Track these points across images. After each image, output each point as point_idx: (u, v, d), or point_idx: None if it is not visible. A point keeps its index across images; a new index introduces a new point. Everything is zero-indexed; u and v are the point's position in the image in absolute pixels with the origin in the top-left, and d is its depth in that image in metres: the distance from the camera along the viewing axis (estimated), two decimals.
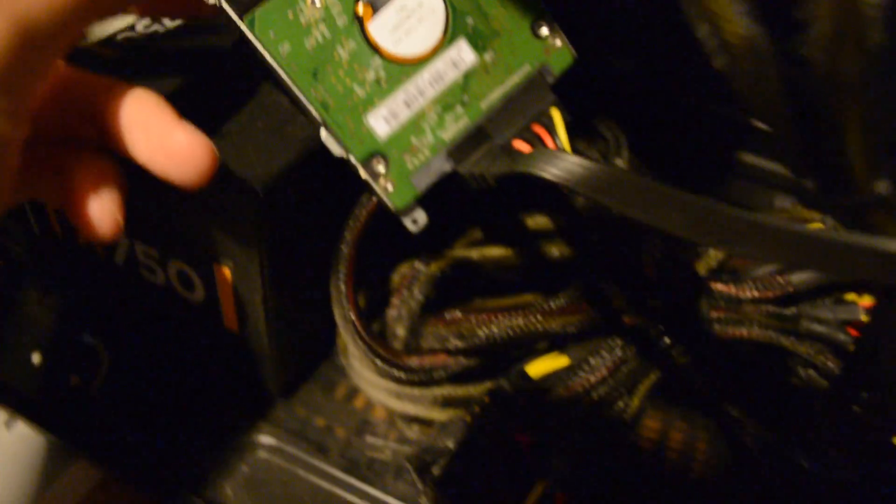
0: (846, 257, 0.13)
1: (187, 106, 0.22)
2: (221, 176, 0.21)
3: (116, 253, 0.27)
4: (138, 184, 0.22)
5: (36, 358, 0.29)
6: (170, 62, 0.24)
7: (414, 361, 0.25)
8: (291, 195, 0.22)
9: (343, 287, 0.24)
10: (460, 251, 0.26)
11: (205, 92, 0.23)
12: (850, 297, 0.26)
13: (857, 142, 0.12)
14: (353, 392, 0.29)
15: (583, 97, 0.30)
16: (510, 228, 0.26)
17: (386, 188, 0.21)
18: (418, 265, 0.25)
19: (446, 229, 0.27)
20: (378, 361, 0.24)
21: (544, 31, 0.24)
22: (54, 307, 0.31)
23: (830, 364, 0.24)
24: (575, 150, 0.32)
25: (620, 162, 0.30)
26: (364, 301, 0.27)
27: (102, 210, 0.19)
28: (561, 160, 0.20)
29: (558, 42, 0.24)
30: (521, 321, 0.23)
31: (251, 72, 0.24)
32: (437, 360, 0.25)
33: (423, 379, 0.26)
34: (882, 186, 0.12)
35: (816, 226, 0.25)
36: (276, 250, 0.23)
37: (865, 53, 0.11)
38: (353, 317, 0.24)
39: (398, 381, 0.26)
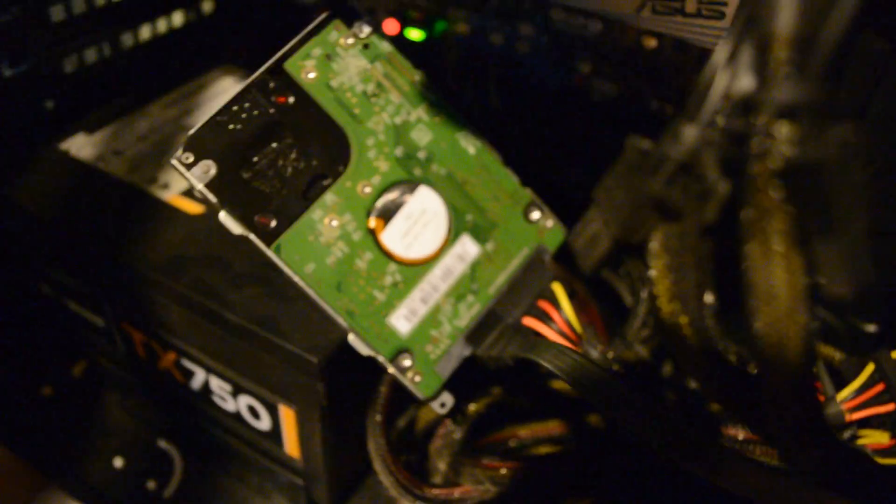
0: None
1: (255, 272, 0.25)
2: (288, 342, 0.25)
3: (193, 380, 0.30)
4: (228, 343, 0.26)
5: (118, 462, 0.33)
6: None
7: (436, 493, 0.28)
8: (349, 354, 0.26)
9: (376, 421, 0.27)
10: (495, 394, 0.29)
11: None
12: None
13: (803, 427, 0.14)
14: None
15: None
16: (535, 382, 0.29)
17: (414, 380, 0.24)
18: (459, 411, 0.28)
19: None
20: (402, 491, 0.27)
21: (535, 215, 0.27)
22: (134, 412, 0.35)
23: None
24: (602, 282, 0.35)
25: (645, 292, 0.33)
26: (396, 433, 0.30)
27: None
28: (562, 355, 0.23)
29: (550, 223, 0.27)
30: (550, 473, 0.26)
31: None
32: (458, 492, 0.28)
33: None
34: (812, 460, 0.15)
35: None
36: (333, 400, 0.26)
37: (809, 353, 0.13)
38: (382, 448, 0.27)
39: None
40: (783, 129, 0.11)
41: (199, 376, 0.30)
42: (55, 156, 0.32)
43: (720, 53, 0.11)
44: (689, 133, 0.12)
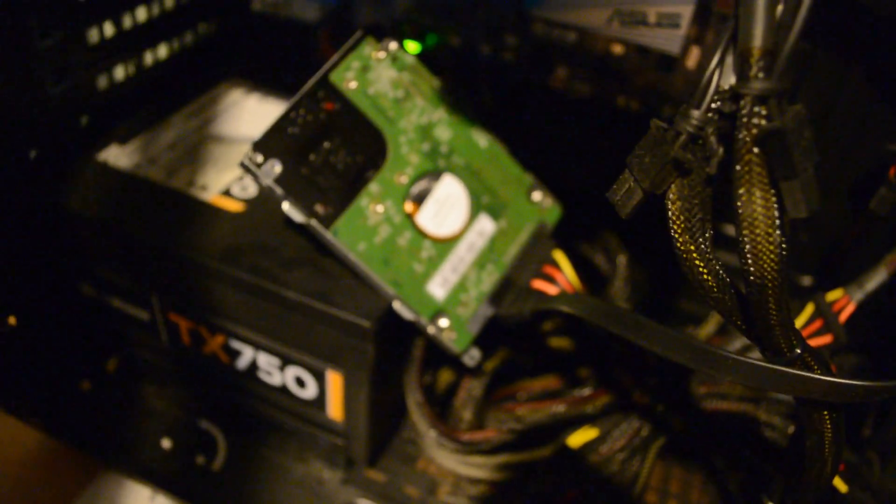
0: (787, 382, 0.21)
1: (302, 256, 0.29)
2: (343, 312, 0.29)
3: (239, 360, 0.34)
4: (283, 315, 0.30)
5: (166, 443, 0.37)
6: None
7: (465, 437, 0.33)
8: (391, 321, 0.30)
9: (413, 380, 0.32)
10: (506, 353, 0.34)
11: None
12: None
13: (778, 323, 0.19)
14: (421, 458, 0.36)
15: (591, 216, 0.39)
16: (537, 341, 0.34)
17: (450, 338, 0.29)
18: (478, 368, 0.33)
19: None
20: (437, 435, 0.32)
21: (537, 196, 0.33)
22: (171, 399, 0.38)
23: (790, 429, 0.32)
24: (582, 257, 0.40)
25: (622, 258, 0.39)
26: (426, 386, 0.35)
27: None
28: (578, 300, 0.28)
29: (548, 202, 0.33)
30: (562, 408, 0.31)
31: None
32: (484, 436, 0.33)
33: (472, 450, 0.33)
34: (796, 351, 0.20)
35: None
36: (378, 361, 0.30)
37: (780, 264, 0.18)
38: (421, 402, 0.32)
39: (454, 451, 0.33)
40: (758, 110, 0.16)
41: (247, 355, 0.34)
42: (95, 166, 0.35)
43: (714, 60, 0.17)
44: (696, 114, 0.17)
